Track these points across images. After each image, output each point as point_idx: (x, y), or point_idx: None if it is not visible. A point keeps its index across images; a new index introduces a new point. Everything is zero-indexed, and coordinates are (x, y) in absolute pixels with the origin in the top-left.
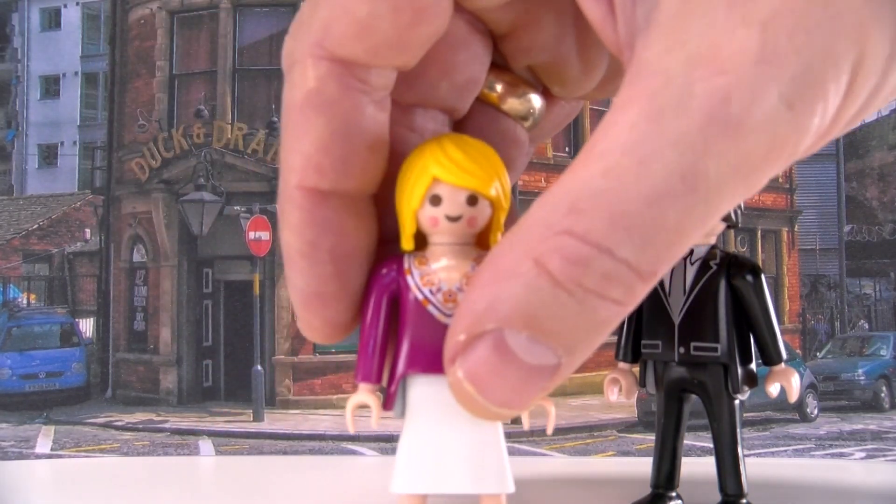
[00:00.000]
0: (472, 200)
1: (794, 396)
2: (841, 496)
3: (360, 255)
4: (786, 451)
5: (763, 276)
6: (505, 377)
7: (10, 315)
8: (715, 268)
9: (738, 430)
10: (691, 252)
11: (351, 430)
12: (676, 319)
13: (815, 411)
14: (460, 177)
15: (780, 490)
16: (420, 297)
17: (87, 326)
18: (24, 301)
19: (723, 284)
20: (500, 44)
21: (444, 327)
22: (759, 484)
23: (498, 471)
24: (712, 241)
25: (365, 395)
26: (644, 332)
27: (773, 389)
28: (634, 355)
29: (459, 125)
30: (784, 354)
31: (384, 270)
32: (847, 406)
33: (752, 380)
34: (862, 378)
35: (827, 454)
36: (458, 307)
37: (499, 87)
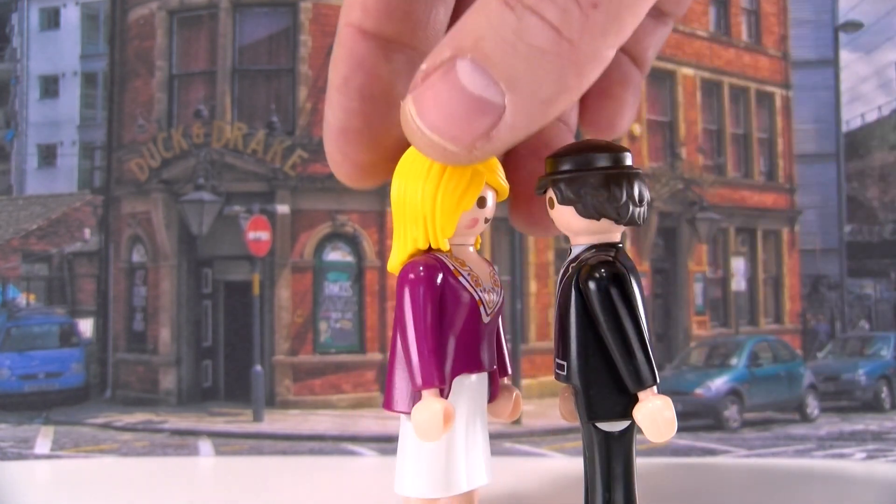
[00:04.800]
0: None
1: (651, 436)
2: (841, 496)
3: (387, 100)
4: (786, 451)
5: (614, 284)
6: (445, 102)
7: (9, 315)
8: (570, 272)
9: (612, 467)
10: (570, 254)
11: (439, 437)
12: (554, 333)
13: (816, 411)
14: (504, 182)
15: (780, 490)
16: (476, 297)
17: (86, 327)
18: (24, 301)
19: (573, 295)
20: None
21: (486, 327)
22: (760, 484)
23: (489, 460)
24: (593, 240)
25: (439, 401)
26: None
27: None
28: None
29: None
30: (648, 379)
31: (430, 273)
32: (848, 406)
33: (620, 413)
34: (862, 378)
35: (828, 454)
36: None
37: None
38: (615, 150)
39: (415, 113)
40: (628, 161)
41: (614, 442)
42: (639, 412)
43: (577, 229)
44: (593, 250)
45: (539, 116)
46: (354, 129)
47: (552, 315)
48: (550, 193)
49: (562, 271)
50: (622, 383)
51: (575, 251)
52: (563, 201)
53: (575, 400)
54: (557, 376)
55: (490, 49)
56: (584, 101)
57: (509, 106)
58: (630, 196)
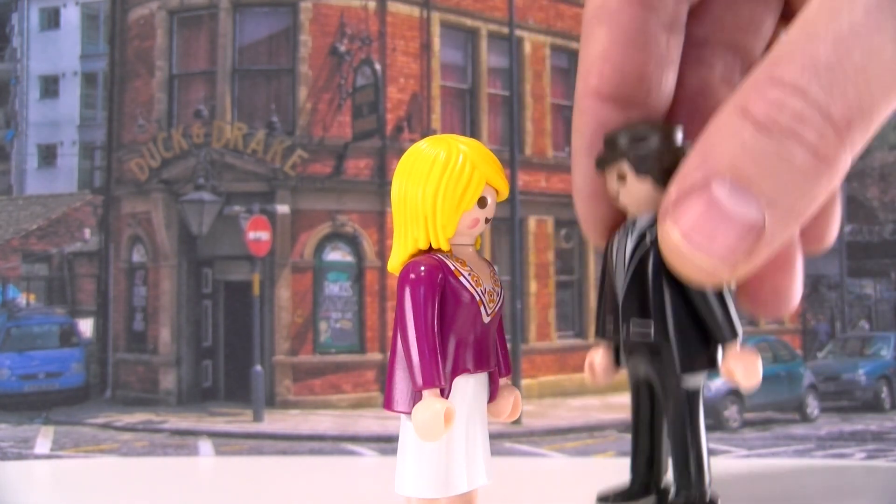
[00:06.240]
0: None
1: (746, 381)
2: (841, 496)
3: None
4: (786, 451)
5: None
6: (709, 226)
7: (9, 315)
8: (649, 239)
9: (693, 422)
10: (634, 224)
11: (440, 437)
12: (620, 296)
13: (816, 411)
14: (504, 183)
15: (780, 490)
16: (477, 297)
17: (86, 327)
18: (24, 301)
19: (654, 257)
20: None
21: (486, 327)
22: (760, 484)
23: (489, 460)
24: (655, 210)
25: (440, 401)
26: (605, 308)
27: (728, 375)
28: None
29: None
30: (738, 330)
31: (431, 274)
32: (848, 406)
33: (707, 363)
34: (862, 378)
35: (828, 454)
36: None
37: None
38: (676, 127)
39: (680, 238)
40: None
41: (696, 398)
42: (733, 360)
43: (651, 200)
44: None
45: (794, 228)
46: (604, 191)
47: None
48: (624, 168)
49: (633, 239)
50: (707, 337)
51: (643, 220)
52: (641, 173)
53: (648, 358)
54: (641, 338)
55: (750, 170)
56: None
57: (769, 222)
58: None
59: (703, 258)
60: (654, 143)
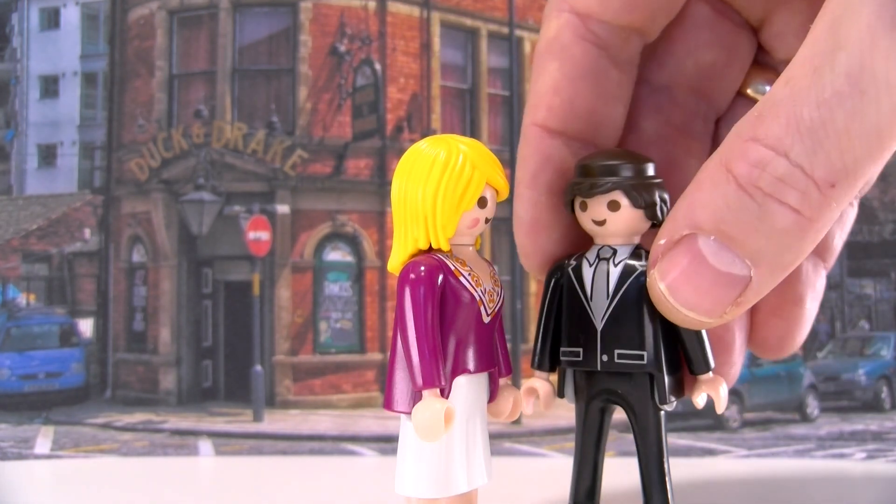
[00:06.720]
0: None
1: (721, 407)
2: (841, 496)
3: None
4: (786, 451)
5: None
6: (695, 280)
7: (9, 315)
8: (639, 269)
9: (665, 443)
10: (614, 252)
11: (440, 437)
12: (599, 325)
13: (816, 411)
14: (505, 182)
15: (780, 490)
16: (477, 297)
17: (86, 327)
18: (24, 301)
19: (646, 288)
20: (760, 37)
21: (487, 327)
22: (760, 484)
23: (489, 460)
24: (636, 240)
25: (440, 401)
26: (564, 338)
27: (700, 400)
28: (552, 363)
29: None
30: (712, 363)
31: (431, 273)
32: (848, 406)
33: (680, 389)
34: (863, 378)
35: (828, 454)
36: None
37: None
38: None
39: (667, 292)
40: None
41: (665, 420)
42: (707, 388)
43: (636, 231)
44: (640, 250)
45: (780, 278)
46: (545, 222)
47: None
48: (618, 197)
49: (619, 268)
50: (681, 367)
51: (625, 250)
52: (637, 206)
53: (624, 384)
54: (630, 367)
55: (733, 231)
56: (755, 317)
57: (755, 276)
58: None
59: (694, 312)
60: (647, 174)
